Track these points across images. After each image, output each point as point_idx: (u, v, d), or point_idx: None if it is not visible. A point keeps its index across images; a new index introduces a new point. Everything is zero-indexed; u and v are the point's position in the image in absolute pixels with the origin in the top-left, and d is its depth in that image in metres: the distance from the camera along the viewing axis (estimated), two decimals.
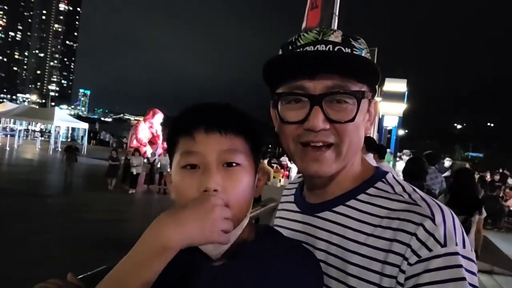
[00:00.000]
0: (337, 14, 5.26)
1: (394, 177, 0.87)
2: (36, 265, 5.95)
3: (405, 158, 10.75)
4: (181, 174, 0.75)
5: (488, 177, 16.14)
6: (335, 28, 5.39)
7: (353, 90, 0.79)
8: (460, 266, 0.67)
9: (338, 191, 0.88)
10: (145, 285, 0.64)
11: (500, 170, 19.43)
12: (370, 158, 5.72)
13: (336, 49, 0.79)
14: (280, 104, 0.84)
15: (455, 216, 0.75)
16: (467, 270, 0.68)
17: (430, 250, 0.68)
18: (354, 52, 0.80)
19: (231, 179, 0.74)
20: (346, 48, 0.79)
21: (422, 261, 0.68)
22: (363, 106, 0.82)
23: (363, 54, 0.81)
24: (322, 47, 0.79)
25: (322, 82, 0.78)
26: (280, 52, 0.87)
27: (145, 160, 20.76)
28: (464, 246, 0.70)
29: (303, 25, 5.08)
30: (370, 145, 5.55)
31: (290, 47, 0.84)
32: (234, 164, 0.75)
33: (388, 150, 9.66)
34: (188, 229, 0.65)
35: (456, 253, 0.68)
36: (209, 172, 0.72)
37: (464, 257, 0.69)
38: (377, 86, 0.88)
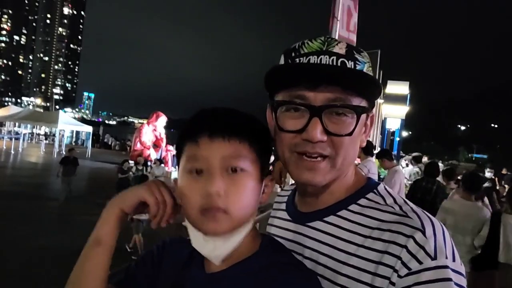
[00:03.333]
0: (338, 18, 5.29)
1: (385, 189, 0.87)
2: (36, 267, 6.01)
3: (405, 163, 10.72)
4: (186, 178, 0.77)
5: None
6: (338, 32, 5.42)
7: (354, 105, 0.79)
8: (449, 279, 0.67)
9: (330, 201, 0.87)
10: (99, 239, 0.80)
11: (504, 172, 19.24)
12: (372, 161, 5.74)
13: (339, 62, 0.78)
14: (279, 111, 0.83)
15: (445, 228, 0.75)
16: (456, 284, 0.68)
17: (420, 262, 0.69)
18: (357, 66, 0.80)
19: (234, 184, 0.74)
20: (350, 61, 0.79)
21: (412, 274, 0.68)
22: (361, 120, 0.82)
23: (365, 68, 0.81)
24: (326, 58, 0.79)
25: (324, 94, 0.78)
26: (282, 58, 0.87)
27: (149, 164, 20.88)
28: (454, 260, 0.71)
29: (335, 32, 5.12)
30: (367, 148, 5.58)
31: (293, 54, 0.83)
32: (238, 169, 0.75)
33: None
34: (127, 192, 0.83)
35: (446, 267, 0.68)
36: (212, 176, 0.73)
37: (454, 270, 0.69)
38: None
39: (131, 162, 12.21)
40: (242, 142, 0.76)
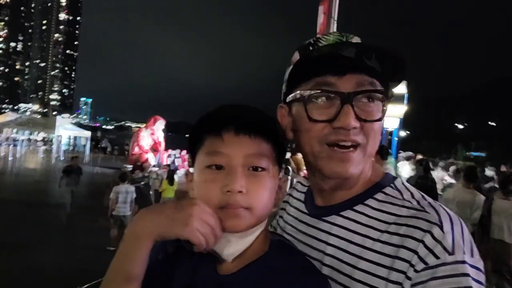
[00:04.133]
0: (335, 19, 5.32)
1: (403, 183, 0.86)
2: (36, 275, 5.98)
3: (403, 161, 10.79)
4: (205, 173, 0.76)
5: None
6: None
7: (382, 90, 0.80)
8: (467, 275, 0.66)
9: (347, 195, 0.86)
10: (131, 276, 0.69)
11: (504, 169, 19.30)
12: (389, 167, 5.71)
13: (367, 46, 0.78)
14: (306, 102, 0.81)
15: (463, 224, 0.74)
16: (474, 279, 0.67)
17: (437, 257, 0.68)
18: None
19: (255, 183, 0.74)
20: (369, 52, 0.79)
21: (429, 269, 0.67)
22: (386, 108, 0.81)
23: None
24: (352, 49, 0.77)
25: (352, 79, 0.78)
26: (297, 54, 0.86)
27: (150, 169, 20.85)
28: (472, 255, 0.69)
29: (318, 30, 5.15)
30: (383, 153, 5.57)
31: (310, 48, 0.83)
32: (259, 169, 0.75)
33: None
34: (160, 218, 0.71)
35: (464, 262, 0.67)
36: (234, 174, 0.73)
37: (471, 266, 0.68)
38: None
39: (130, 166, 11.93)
40: (266, 141, 0.77)
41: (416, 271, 0.68)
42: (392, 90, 0.86)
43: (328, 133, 0.79)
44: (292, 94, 0.86)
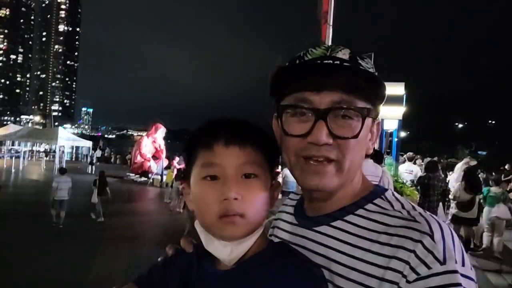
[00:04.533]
0: (331, 24, 5.38)
1: (393, 195, 0.87)
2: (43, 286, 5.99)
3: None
4: (202, 184, 0.80)
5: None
6: (330, 36, 5.51)
7: (359, 107, 0.80)
8: (459, 284, 0.66)
9: (336, 206, 0.87)
10: None
11: (507, 167, 19.32)
12: (369, 163, 5.79)
13: (345, 65, 0.80)
14: (284, 116, 0.84)
15: (454, 233, 0.74)
16: None
17: (429, 267, 0.68)
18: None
19: (249, 189, 0.78)
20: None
21: (421, 279, 0.68)
22: (367, 124, 0.83)
23: None
24: (330, 63, 0.80)
25: (328, 96, 0.79)
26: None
27: (150, 176, 20.89)
28: (463, 264, 0.69)
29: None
30: (377, 157, 5.64)
31: (297, 62, 0.85)
32: (252, 175, 0.79)
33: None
34: None
35: (455, 271, 0.67)
36: (229, 182, 0.77)
37: (463, 275, 0.68)
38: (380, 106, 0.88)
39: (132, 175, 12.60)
40: (255, 150, 0.81)
41: (408, 281, 0.69)
42: (378, 105, 0.86)
43: (303, 147, 0.81)
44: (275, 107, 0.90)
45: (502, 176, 15.35)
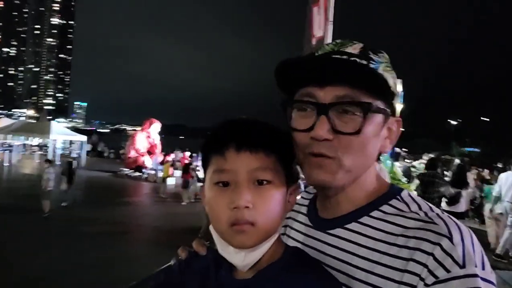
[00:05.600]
0: (331, 20, 5.28)
1: (409, 195, 0.84)
2: (36, 283, 5.95)
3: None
4: (214, 190, 0.78)
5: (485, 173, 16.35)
6: (330, 34, 5.42)
7: (361, 101, 0.77)
8: None
9: (350, 207, 0.85)
10: None
11: (499, 165, 19.49)
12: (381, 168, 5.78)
13: (352, 61, 0.78)
14: (293, 111, 0.84)
15: (473, 235, 0.72)
16: None
17: (448, 271, 0.66)
18: (370, 65, 0.79)
19: (261, 196, 0.75)
20: (362, 61, 0.78)
21: (440, 282, 0.66)
22: (374, 120, 0.79)
23: (380, 68, 0.80)
24: (337, 57, 0.79)
25: (332, 91, 0.77)
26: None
27: (144, 171, 20.81)
28: (483, 268, 0.67)
29: (319, 35, 5.01)
30: None
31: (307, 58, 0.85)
32: (265, 182, 0.76)
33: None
34: None
35: (475, 275, 0.65)
36: (239, 190, 0.74)
37: (483, 279, 0.66)
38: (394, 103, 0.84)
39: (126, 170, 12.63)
40: (268, 154, 0.77)
41: (426, 285, 0.67)
42: (390, 102, 0.83)
43: (307, 142, 0.80)
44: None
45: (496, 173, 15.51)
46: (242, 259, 0.77)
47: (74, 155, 24.79)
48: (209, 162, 0.81)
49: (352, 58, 0.78)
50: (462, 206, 8.01)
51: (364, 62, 0.78)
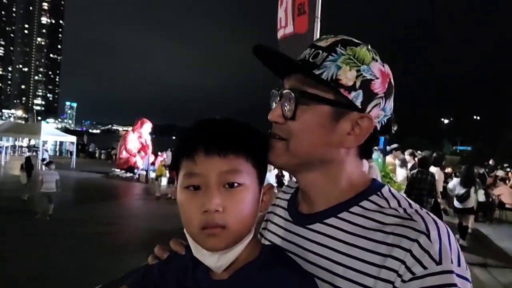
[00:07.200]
0: (319, 17, 5.22)
1: (390, 191, 0.85)
2: (27, 283, 5.87)
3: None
4: (185, 194, 0.77)
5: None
6: (318, 30, 5.38)
7: (292, 90, 0.81)
8: (454, 285, 0.66)
9: (328, 202, 0.85)
10: None
11: (491, 162, 19.76)
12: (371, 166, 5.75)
13: (314, 53, 0.82)
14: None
15: (450, 232, 0.73)
16: None
17: (425, 267, 0.67)
18: (329, 57, 0.80)
19: (232, 199, 0.75)
20: (324, 53, 0.81)
21: (416, 279, 0.67)
22: (316, 109, 0.80)
23: (339, 60, 0.79)
24: (307, 51, 0.84)
25: (289, 82, 0.85)
26: None
27: (136, 171, 20.69)
28: (459, 264, 0.69)
29: (289, 31, 4.95)
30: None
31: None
32: (235, 184, 0.75)
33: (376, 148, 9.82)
34: None
35: (451, 272, 0.67)
36: (209, 193, 0.73)
37: (458, 275, 0.67)
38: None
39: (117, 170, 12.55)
40: (238, 156, 0.76)
41: (403, 281, 0.68)
42: (348, 98, 0.80)
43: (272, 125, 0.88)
44: None
45: (486, 171, 15.70)
46: (216, 261, 0.77)
47: (45, 156, 22.73)
48: (179, 167, 0.80)
49: (317, 51, 0.82)
50: (471, 202, 8.99)
51: (324, 54, 0.81)
